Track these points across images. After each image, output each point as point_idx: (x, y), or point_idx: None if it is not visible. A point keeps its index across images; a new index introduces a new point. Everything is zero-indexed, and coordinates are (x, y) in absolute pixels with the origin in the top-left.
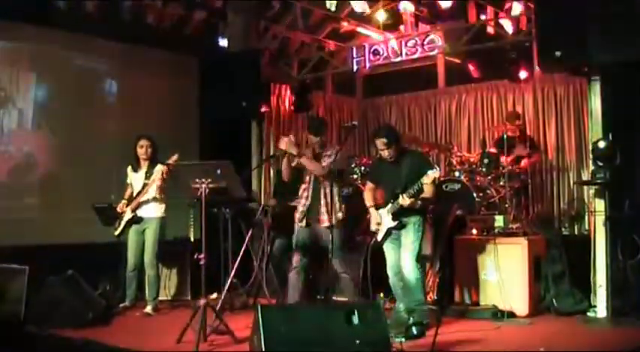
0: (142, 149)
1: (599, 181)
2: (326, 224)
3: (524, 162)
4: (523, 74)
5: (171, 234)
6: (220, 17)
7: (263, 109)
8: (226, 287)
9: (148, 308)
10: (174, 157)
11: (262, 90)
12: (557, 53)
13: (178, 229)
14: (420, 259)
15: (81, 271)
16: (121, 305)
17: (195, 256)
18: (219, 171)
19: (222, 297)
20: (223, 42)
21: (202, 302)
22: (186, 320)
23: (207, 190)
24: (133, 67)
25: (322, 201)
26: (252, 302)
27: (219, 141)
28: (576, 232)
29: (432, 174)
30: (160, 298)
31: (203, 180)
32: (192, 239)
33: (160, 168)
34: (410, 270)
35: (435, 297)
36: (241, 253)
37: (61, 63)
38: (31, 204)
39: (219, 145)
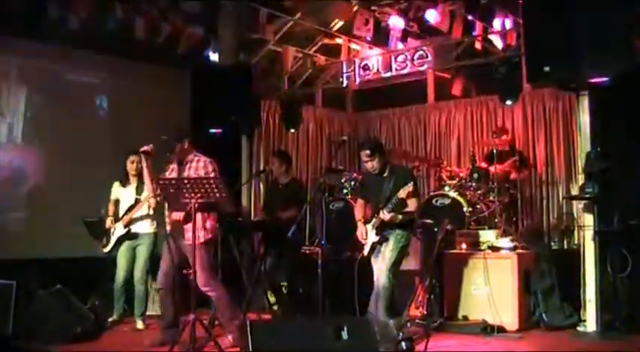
0: (133, 165)
1: (588, 196)
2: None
3: (512, 175)
4: (509, 101)
5: (160, 249)
6: (211, 31)
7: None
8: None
9: (139, 324)
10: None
11: (253, 105)
12: (546, 68)
13: None
14: (394, 271)
15: (70, 285)
16: (110, 319)
17: (185, 271)
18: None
19: (212, 312)
20: (214, 56)
21: (191, 317)
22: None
23: (196, 205)
24: (123, 81)
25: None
26: (241, 317)
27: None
28: (565, 246)
29: (407, 188)
30: (150, 313)
31: (192, 194)
32: None
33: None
34: (379, 277)
35: (425, 312)
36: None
37: (51, 76)
38: (19, 218)
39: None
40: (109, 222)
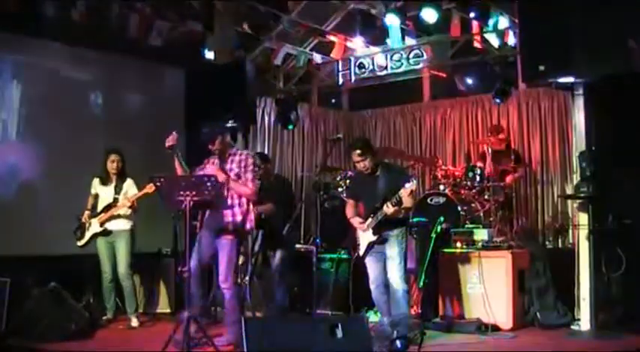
0: (113, 164)
1: (582, 195)
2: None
3: (509, 179)
4: (500, 100)
5: (155, 247)
6: (206, 29)
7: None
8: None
9: (133, 322)
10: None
11: (248, 103)
12: (541, 67)
13: (162, 241)
14: (406, 275)
15: (64, 283)
16: (104, 317)
17: (179, 268)
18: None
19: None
20: (209, 54)
21: (186, 314)
22: (169, 333)
23: (191, 203)
24: (119, 79)
25: None
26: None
27: (205, 154)
28: (560, 245)
29: (409, 186)
30: (144, 311)
31: (187, 192)
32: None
33: (133, 190)
34: (397, 282)
35: (419, 311)
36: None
37: (46, 74)
38: (14, 215)
39: (205, 158)
40: (85, 215)
